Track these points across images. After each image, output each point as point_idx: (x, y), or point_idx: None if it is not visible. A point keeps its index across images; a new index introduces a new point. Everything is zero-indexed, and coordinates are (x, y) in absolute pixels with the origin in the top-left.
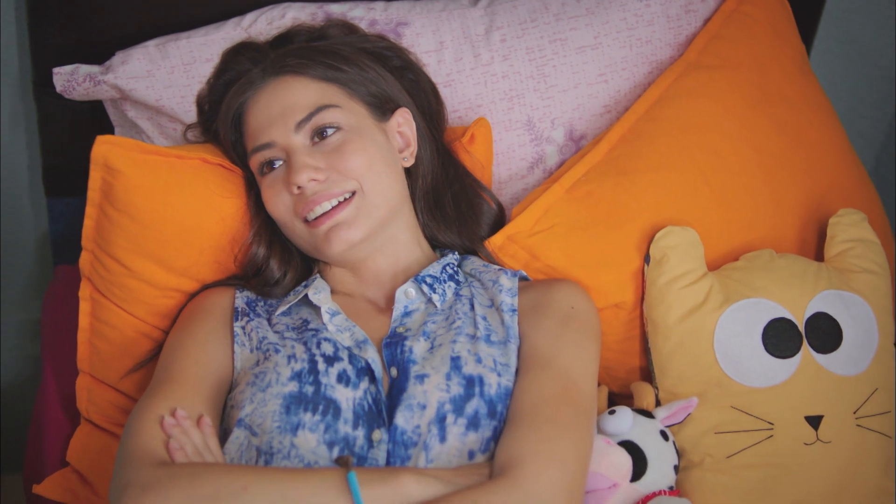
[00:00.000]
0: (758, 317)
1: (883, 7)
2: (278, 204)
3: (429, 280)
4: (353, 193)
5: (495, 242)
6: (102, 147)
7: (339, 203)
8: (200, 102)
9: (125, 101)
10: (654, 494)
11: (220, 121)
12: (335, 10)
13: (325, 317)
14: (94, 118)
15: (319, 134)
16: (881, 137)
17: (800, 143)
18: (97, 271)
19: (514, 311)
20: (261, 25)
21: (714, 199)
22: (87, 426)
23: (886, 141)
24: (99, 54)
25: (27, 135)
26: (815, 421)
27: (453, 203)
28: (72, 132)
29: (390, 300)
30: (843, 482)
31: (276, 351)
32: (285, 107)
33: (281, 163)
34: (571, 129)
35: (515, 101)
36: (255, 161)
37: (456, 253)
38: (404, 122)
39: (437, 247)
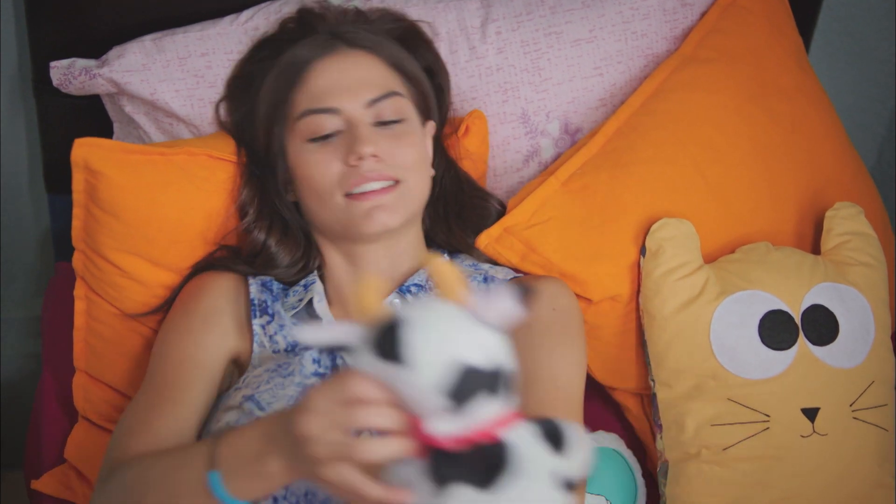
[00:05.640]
0: (754, 309)
1: (882, 0)
2: (325, 172)
3: (413, 289)
4: (398, 182)
5: (492, 234)
6: (81, 150)
7: (385, 188)
8: (260, 46)
9: (122, 95)
10: None
11: (277, 73)
12: None
13: None
14: (94, 114)
15: (383, 120)
16: (882, 131)
17: (797, 137)
18: (89, 270)
19: None
20: (258, 21)
21: (710, 191)
22: (84, 424)
23: (887, 134)
24: (98, 51)
25: (27, 131)
26: (811, 413)
27: (461, 210)
28: (71, 128)
29: None
30: (839, 475)
31: (306, 349)
32: (361, 80)
33: (336, 135)
34: (567, 123)
35: (510, 94)
36: (305, 124)
37: (446, 255)
38: (428, 134)
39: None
